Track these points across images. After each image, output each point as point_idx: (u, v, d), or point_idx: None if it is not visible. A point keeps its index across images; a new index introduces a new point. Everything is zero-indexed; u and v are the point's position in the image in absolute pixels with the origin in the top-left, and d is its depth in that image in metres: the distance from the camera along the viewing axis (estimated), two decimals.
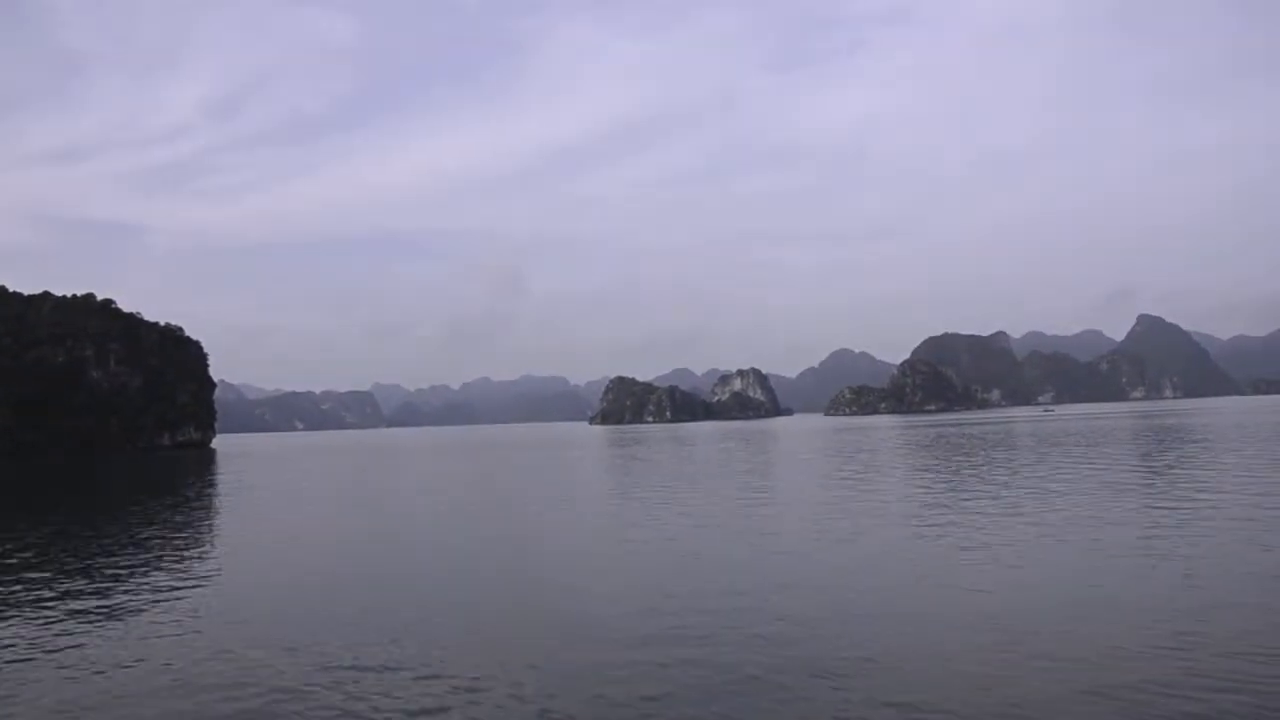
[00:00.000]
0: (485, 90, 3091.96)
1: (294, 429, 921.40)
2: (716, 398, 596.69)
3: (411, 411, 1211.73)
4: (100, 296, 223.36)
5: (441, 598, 22.99)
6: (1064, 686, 14.18)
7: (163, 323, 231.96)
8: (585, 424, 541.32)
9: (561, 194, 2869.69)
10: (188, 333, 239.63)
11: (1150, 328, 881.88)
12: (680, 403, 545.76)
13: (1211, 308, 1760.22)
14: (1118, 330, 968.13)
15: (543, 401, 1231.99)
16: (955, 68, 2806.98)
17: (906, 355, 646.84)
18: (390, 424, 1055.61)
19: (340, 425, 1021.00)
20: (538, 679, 15.65)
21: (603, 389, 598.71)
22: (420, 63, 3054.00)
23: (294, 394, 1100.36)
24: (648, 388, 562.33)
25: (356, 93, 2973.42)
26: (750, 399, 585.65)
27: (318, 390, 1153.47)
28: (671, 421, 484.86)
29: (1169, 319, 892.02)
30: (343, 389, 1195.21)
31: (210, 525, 43.39)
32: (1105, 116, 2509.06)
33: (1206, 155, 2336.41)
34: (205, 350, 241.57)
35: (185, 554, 32.44)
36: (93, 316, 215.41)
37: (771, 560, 26.51)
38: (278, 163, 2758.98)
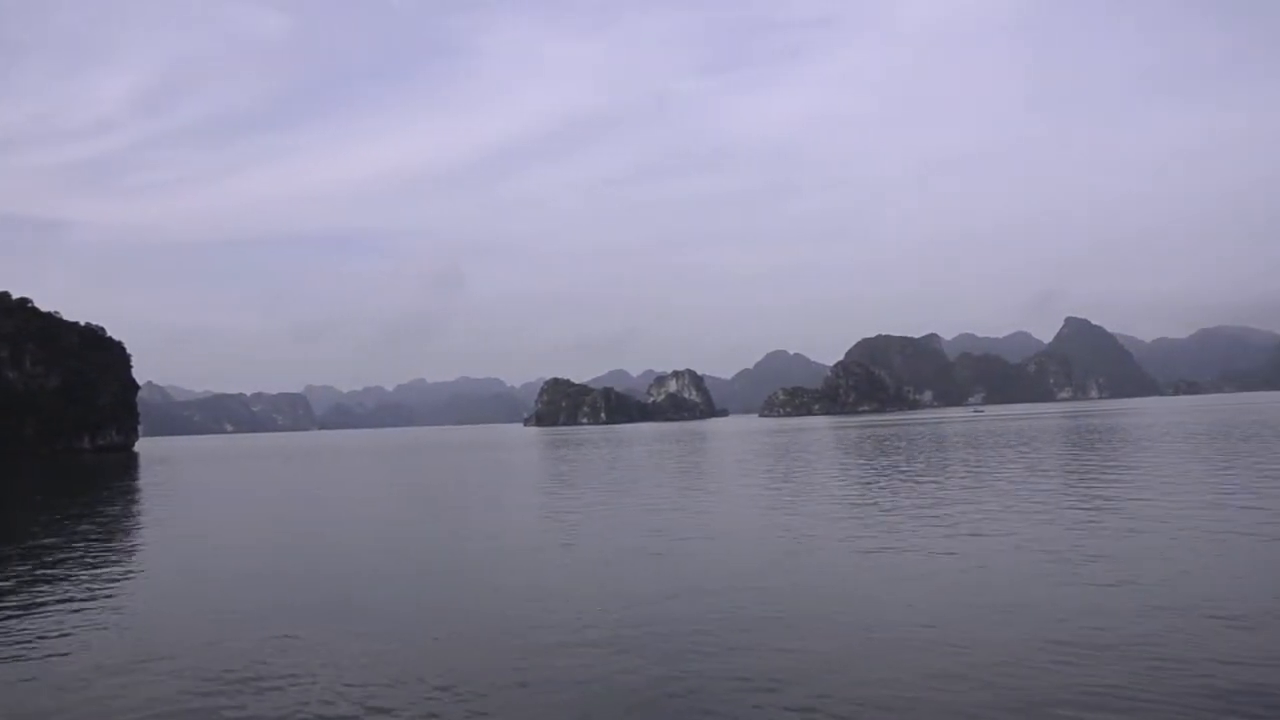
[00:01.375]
0: (420, 90, 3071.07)
1: (224, 431, 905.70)
2: (652, 399, 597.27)
3: (344, 413, 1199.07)
4: (17, 295, 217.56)
5: (368, 601, 22.36)
6: (981, 691, 13.98)
7: (83, 322, 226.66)
8: (520, 425, 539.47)
9: (498, 195, 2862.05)
10: (112, 333, 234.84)
11: (1077, 330, 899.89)
12: (615, 404, 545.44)
13: (1136, 311, 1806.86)
14: (1046, 332, 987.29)
15: (478, 403, 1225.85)
16: (892, 72, 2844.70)
17: (841, 357, 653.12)
18: (323, 426, 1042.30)
19: (272, 427, 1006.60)
20: (467, 683, 15.29)
21: (538, 391, 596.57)
22: (356, 61, 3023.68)
23: (224, 396, 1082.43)
24: (583, 389, 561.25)
25: (290, 91, 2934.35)
26: (685, 400, 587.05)
27: (248, 392, 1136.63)
28: (607, 423, 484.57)
29: (1095, 321, 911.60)
30: (274, 390, 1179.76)
31: (118, 535, 42.02)
32: (1036, 122, 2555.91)
33: (1133, 163, 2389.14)
34: (128, 351, 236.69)
35: (84, 566, 31.28)
36: (7, 316, 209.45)
37: (699, 562, 26.27)
38: (209, 160, 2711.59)
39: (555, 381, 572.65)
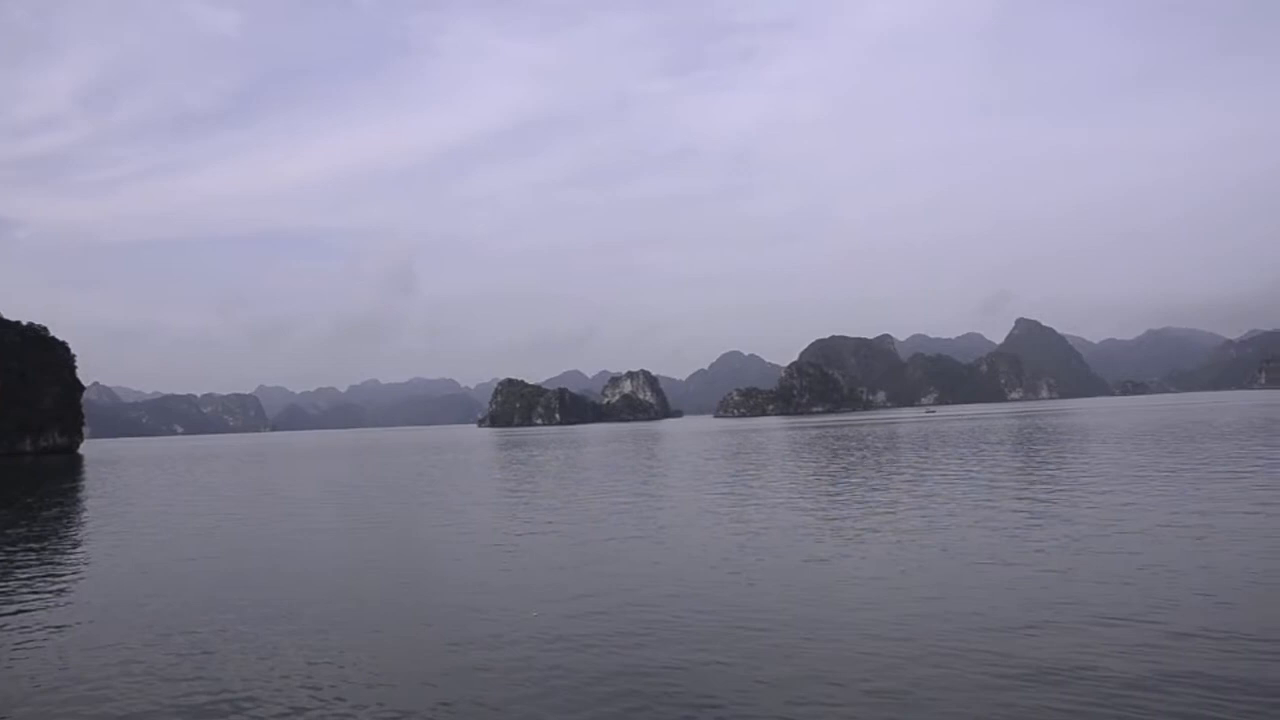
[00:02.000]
0: (376, 89, 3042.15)
1: (173, 433, 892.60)
2: (607, 400, 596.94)
3: (297, 414, 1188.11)
4: None
5: (305, 605, 21.77)
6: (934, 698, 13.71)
7: (24, 322, 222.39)
8: (474, 426, 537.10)
9: (455, 194, 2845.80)
10: (57, 333, 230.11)
11: (1028, 331, 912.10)
12: (570, 405, 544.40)
13: (1085, 313, 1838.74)
14: (997, 334, 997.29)
15: (432, 404, 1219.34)
16: (847, 75, 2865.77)
17: (795, 358, 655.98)
18: (275, 427, 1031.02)
19: (223, 429, 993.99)
20: (392, 695, 14.89)
21: (492, 391, 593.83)
22: (310, 59, 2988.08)
23: (173, 397, 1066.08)
24: (537, 390, 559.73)
25: (243, 88, 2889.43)
26: (640, 401, 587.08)
27: (199, 393, 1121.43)
28: (561, 424, 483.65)
29: (1045, 323, 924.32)
30: (225, 391, 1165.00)
31: (51, 539, 40.90)
32: (990, 127, 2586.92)
33: (1084, 168, 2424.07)
34: (73, 351, 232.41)
35: (12, 575, 30.36)
36: None
37: (641, 569, 25.93)
38: (158, 157, 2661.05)
39: (509, 382, 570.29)
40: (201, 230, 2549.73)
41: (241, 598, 23.53)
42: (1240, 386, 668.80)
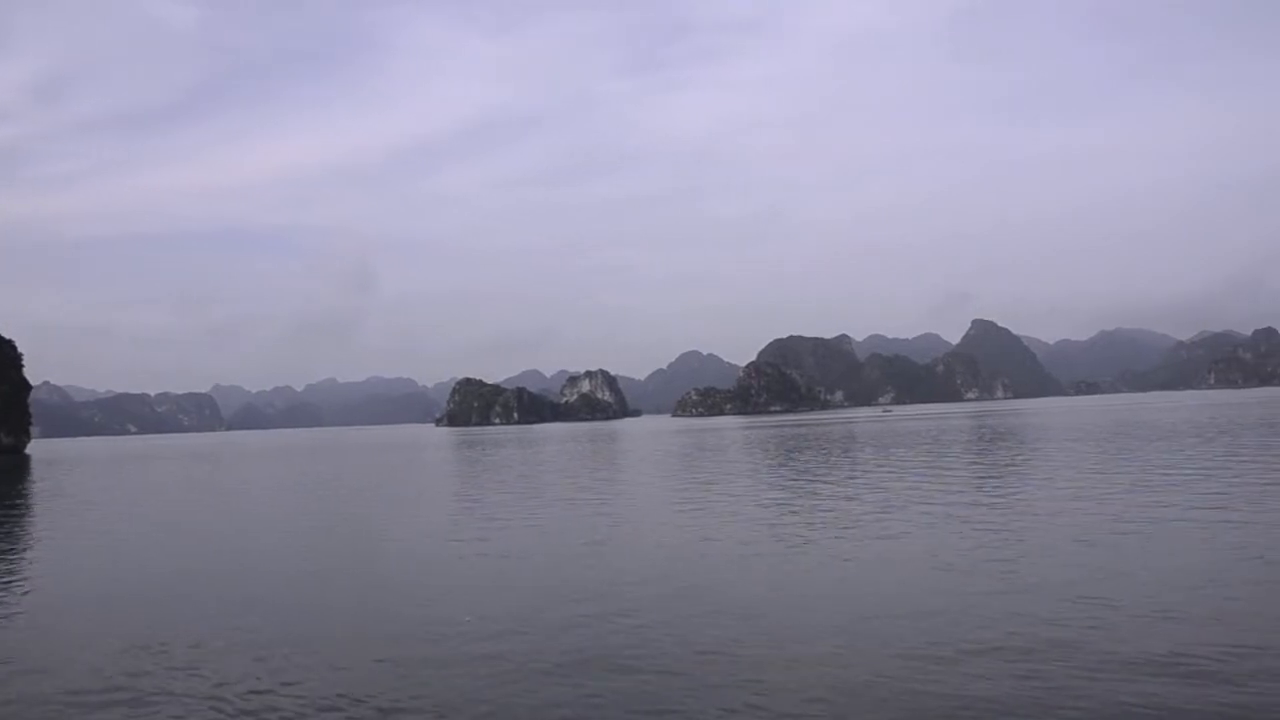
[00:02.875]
0: (335, 86, 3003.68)
1: (127, 433, 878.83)
2: (565, 399, 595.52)
3: (253, 414, 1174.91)
4: None
5: (256, 602, 20.99)
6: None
7: None
8: (431, 426, 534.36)
9: (412, 193, 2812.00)
10: (3, 330, 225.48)
11: (983, 332, 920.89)
12: (528, 404, 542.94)
13: (1039, 313, 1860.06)
14: (954, 334, 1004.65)
15: (390, 403, 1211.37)
16: (813, 78, 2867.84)
17: (753, 357, 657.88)
18: (231, 427, 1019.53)
19: (178, 428, 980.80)
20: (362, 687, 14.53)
21: (450, 391, 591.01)
22: (268, 55, 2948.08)
23: (127, 396, 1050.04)
24: (495, 389, 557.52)
25: (200, 83, 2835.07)
26: (598, 400, 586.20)
27: (153, 392, 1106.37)
28: (519, 423, 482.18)
29: (1000, 323, 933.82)
30: (180, 390, 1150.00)
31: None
32: (947, 127, 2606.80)
33: (1037, 169, 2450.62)
34: (19, 349, 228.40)
35: None
36: None
37: (577, 575, 25.50)
38: (113, 153, 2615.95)
39: (467, 381, 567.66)
40: (157, 227, 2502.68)
41: (182, 599, 23.27)
42: (1190, 386, 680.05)
